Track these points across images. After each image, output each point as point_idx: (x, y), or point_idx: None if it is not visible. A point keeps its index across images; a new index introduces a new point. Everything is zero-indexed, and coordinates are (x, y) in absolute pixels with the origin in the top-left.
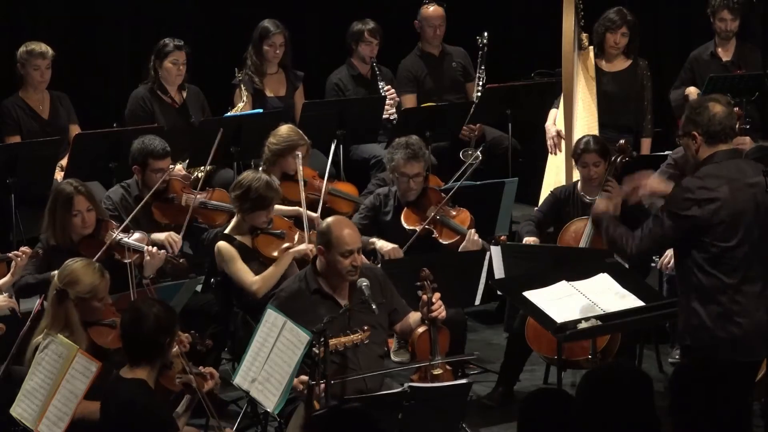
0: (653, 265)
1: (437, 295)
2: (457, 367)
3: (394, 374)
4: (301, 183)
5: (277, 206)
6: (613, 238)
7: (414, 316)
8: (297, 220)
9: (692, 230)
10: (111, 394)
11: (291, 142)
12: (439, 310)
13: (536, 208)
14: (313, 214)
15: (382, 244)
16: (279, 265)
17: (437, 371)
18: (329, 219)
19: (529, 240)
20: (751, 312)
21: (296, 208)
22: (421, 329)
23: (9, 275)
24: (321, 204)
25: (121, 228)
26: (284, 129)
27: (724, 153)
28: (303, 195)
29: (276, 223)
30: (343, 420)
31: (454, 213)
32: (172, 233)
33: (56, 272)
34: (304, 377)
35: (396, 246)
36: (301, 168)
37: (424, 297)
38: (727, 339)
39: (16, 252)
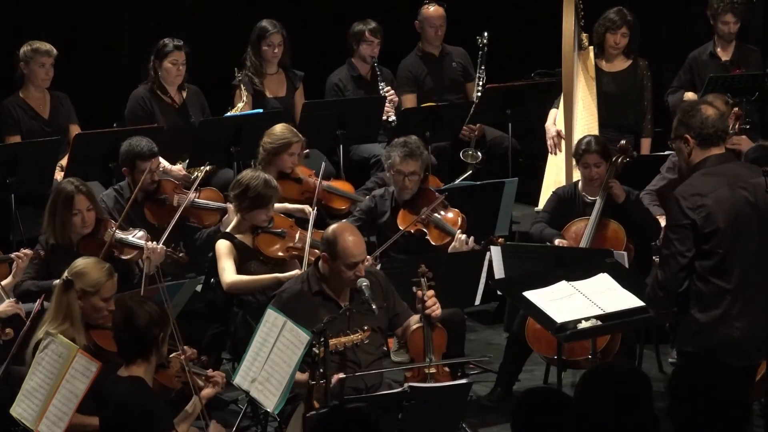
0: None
1: (430, 292)
2: (457, 367)
3: (392, 374)
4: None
5: (283, 204)
6: (649, 299)
7: (414, 318)
8: (300, 220)
9: (694, 238)
10: (109, 395)
11: (285, 139)
12: (433, 308)
13: (540, 209)
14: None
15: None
16: (260, 280)
17: (431, 370)
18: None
19: (561, 242)
20: (749, 316)
21: (303, 206)
22: (415, 326)
23: (11, 276)
24: (315, 200)
25: (118, 224)
26: (278, 128)
27: (717, 157)
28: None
29: (277, 222)
30: (345, 420)
31: (445, 214)
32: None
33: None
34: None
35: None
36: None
37: (419, 293)
38: (725, 343)
39: (17, 253)
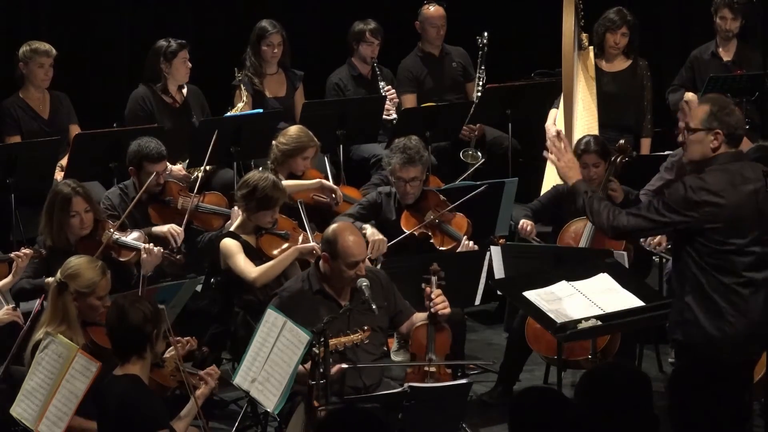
0: (642, 241)
1: (438, 291)
2: (457, 367)
3: (392, 374)
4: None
5: (298, 182)
6: (596, 209)
7: (418, 316)
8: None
9: (687, 230)
10: (106, 393)
11: (301, 143)
12: (440, 305)
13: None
14: (334, 186)
15: (372, 232)
16: (282, 259)
17: (431, 368)
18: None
19: (525, 223)
20: (745, 312)
21: (317, 180)
22: (420, 322)
23: (11, 276)
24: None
25: (117, 226)
26: (294, 130)
27: (730, 155)
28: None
29: (280, 223)
30: (356, 419)
31: (451, 218)
32: (174, 225)
33: (51, 279)
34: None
35: (384, 238)
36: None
37: (427, 290)
38: (718, 337)
39: (17, 253)
